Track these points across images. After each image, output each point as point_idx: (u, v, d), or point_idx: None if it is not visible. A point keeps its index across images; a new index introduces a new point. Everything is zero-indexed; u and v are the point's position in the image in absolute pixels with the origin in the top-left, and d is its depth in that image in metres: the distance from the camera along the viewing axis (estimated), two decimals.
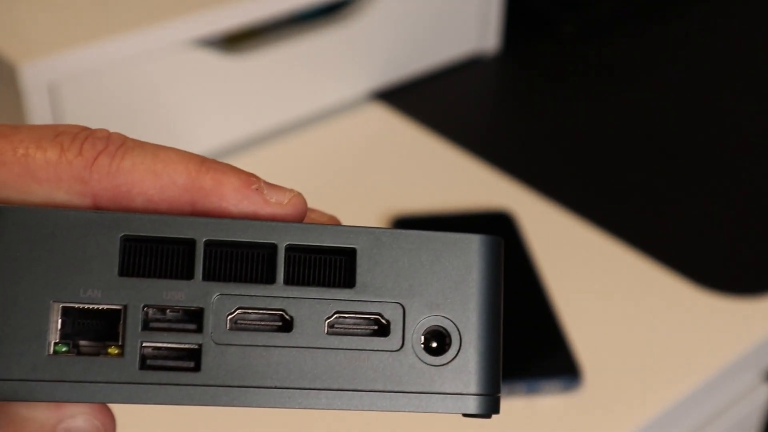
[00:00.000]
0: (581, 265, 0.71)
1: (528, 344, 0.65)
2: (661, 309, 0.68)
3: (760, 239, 0.76)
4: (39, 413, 0.26)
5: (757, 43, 1.04)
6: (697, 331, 0.66)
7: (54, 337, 0.25)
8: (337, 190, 0.76)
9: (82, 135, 0.26)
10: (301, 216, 0.28)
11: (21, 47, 0.68)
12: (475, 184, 0.79)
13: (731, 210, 0.79)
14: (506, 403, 0.61)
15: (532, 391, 0.61)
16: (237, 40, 0.80)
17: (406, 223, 0.73)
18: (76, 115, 0.70)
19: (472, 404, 0.27)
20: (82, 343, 0.26)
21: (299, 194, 0.28)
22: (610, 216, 0.76)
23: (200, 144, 0.78)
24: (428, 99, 0.91)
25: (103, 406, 0.27)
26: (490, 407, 0.27)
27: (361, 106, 0.88)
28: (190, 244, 0.26)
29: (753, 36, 1.06)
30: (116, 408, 0.29)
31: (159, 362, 0.26)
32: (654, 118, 0.91)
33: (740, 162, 0.85)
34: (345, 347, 0.27)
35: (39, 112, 0.68)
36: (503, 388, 0.61)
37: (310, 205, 0.29)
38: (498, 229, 0.73)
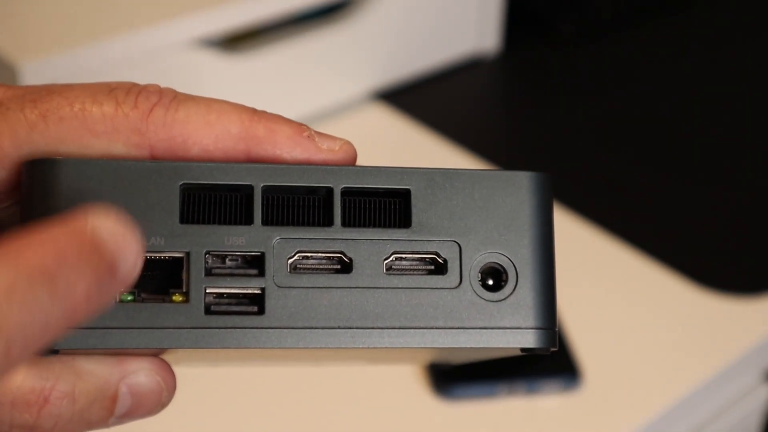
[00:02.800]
0: (581, 265, 0.71)
1: None
2: (661, 309, 0.68)
3: (760, 239, 0.76)
4: (103, 368, 0.27)
5: (758, 43, 1.04)
6: (697, 331, 0.66)
7: None
8: None
9: (135, 89, 0.27)
10: (352, 162, 0.28)
11: (21, 47, 0.68)
12: None
13: (731, 210, 0.79)
14: (506, 403, 0.61)
15: (532, 391, 0.61)
16: (238, 40, 0.80)
17: None
18: None
19: (531, 338, 0.27)
20: (144, 294, 0.26)
21: (349, 142, 0.28)
22: (611, 216, 0.76)
23: None
24: (428, 99, 0.91)
25: (163, 363, 0.28)
26: (548, 341, 0.28)
27: (362, 106, 0.88)
28: (248, 189, 0.27)
29: (753, 36, 1.06)
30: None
31: (223, 307, 0.26)
32: (654, 118, 0.91)
33: (740, 162, 0.85)
34: (404, 286, 0.27)
35: None
36: (503, 388, 0.61)
37: None
38: None
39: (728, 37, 1.04)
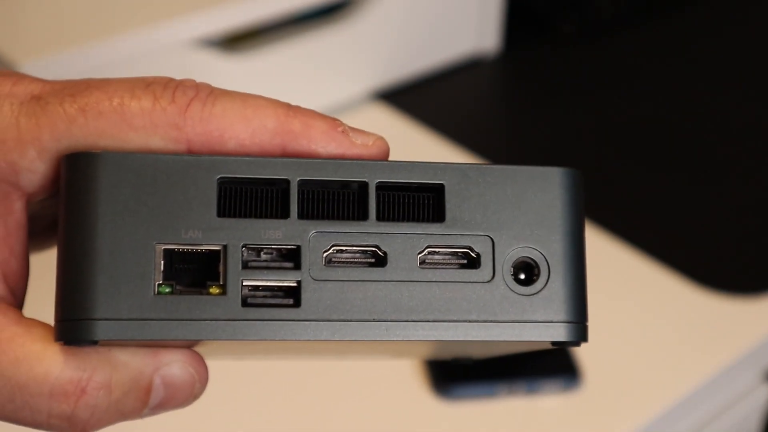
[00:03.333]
0: None
1: None
2: (661, 309, 0.68)
3: (760, 239, 0.76)
4: (138, 359, 0.27)
5: (758, 43, 1.04)
6: (697, 331, 0.66)
7: (158, 278, 0.26)
8: None
9: (172, 84, 0.27)
10: (385, 157, 0.28)
11: (21, 47, 0.68)
12: None
13: (731, 210, 0.79)
14: (506, 403, 0.61)
15: (532, 391, 0.61)
16: (238, 40, 0.80)
17: None
18: None
19: (562, 332, 0.28)
20: (179, 287, 0.26)
21: (382, 137, 0.29)
22: (611, 216, 0.76)
23: None
24: (428, 99, 0.91)
25: (196, 355, 0.28)
26: (579, 334, 0.29)
27: (362, 106, 0.88)
28: (285, 184, 0.27)
29: (754, 35, 1.06)
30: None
31: (260, 300, 0.27)
32: (654, 118, 0.91)
33: (741, 162, 0.85)
34: (438, 280, 0.27)
35: None
36: (503, 388, 0.61)
37: None
38: None
39: (728, 37, 1.04)
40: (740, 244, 0.75)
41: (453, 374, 0.61)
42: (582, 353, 0.64)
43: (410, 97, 0.90)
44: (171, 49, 0.74)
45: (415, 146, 0.84)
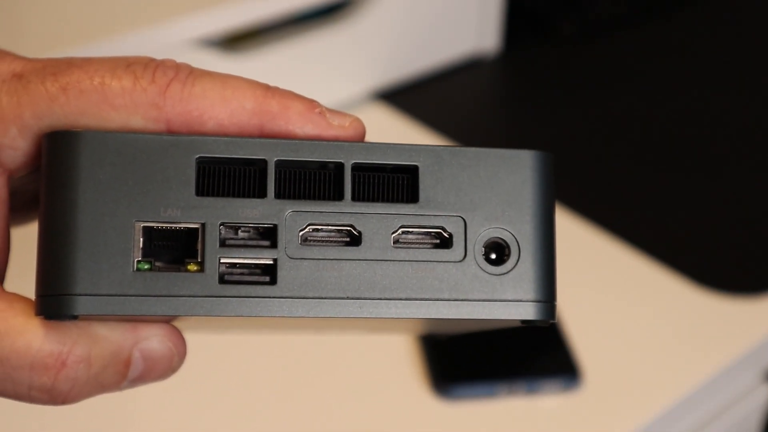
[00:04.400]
0: (581, 264, 0.71)
1: (528, 344, 0.65)
2: (661, 309, 0.68)
3: (760, 239, 0.76)
4: (117, 333, 0.28)
5: (758, 43, 1.04)
6: (697, 331, 0.66)
7: (137, 255, 0.27)
8: None
9: (152, 64, 0.28)
10: (361, 139, 0.29)
11: (21, 47, 0.68)
12: None
13: (731, 210, 0.79)
14: (506, 403, 0.61)
15: (532, 391, 0.61)
16: (238, 40, 0.80)
17: None
18: None
19: (531, 310, 0.28)
20: (158, 263, 0.27)
21: (358, 119, 0.29)
22: (611, 216, 0.76)
23: None
24: (428, 99, 0.91)
25: (175, 330, 0.29)
26: (548, 313, 0.29)
27: (362, 106, 0.88)
28: (262, 164, 0.27)
29: (754, 35, 1.06)
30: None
31: (236, 277, 0.27)
32: (654, 118, 0.91)
33: (741, 162, 0.85)
34: (411, 259, 0.28)
35: None
36: (503, 388, 0.61)
37: None
38: None
39: (728, 37, 1.04)
40: (740, 244, 0.75)
41: (453, 374, 0.61)
42: (582, 353, 0.64)
43: (410, 97, 0.90)
44: (171, 49, 0.74)
45: None
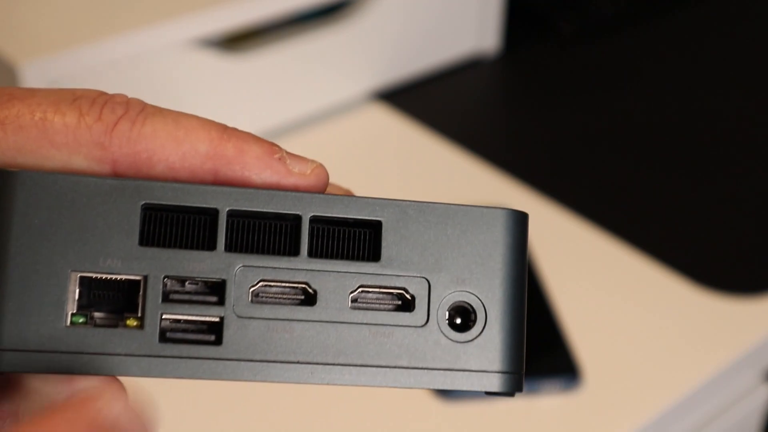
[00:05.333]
0: (581, 264, 0.71)
1: (528, 344, 0.64)
2: (661, 309, 0.68)
3: (760, 239, 0.76)
4: (50, 386, 0.26)
5: (758, 43, 1.04)
6: (697, 331, 0.66)
7: (72, 307, 0.25)
8: (336, 190, 0.76)
9: (101, 99, 0.26)
10: (323, 187, 0.27)
11: (21, 47, 0.68)
12: (475, 184, 0.79)
13: (731, 210, 0.79)
14: (506, 403, 0.61)
15: (532, 391, 0.61)
16: (237, 40, 0.80)
17: None
18: None
19: (496, 382, 0.27)
20: (97, 315, 0.25)
21: (321, 165, 0.27)
22: (610, 216, 0.76)
23: None
24: (429, 99, 0.91)
25: (114, 380, 0.27)
26: (513, 385, 0.27)
27: (362, 106, 0.88)
28: (213, 213, 0.26)
29: (754, 35, 1.06)
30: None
31: (179, 335, 0.25)
32: (654, 118, 0.91)
33: (740, 162, 0.85)
34: (369, 322, 0.26)
35: None
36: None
37: None
38: None
39: (728, 37, 1.04)
40: (740, 244, 0.75)
41: None
42: (582, 353, 0.64)
43: (410, 97, 0.90)
44: (171, 49, 0.74)
45: (415, 146, 0.84)
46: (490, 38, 0.96)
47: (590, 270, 0.71)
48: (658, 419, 0.61)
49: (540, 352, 0.64)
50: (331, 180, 0.28)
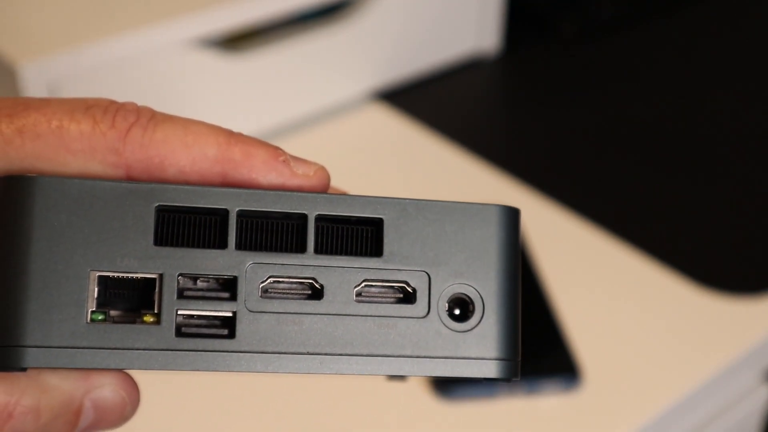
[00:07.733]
0: (581, 264, 0.71)
1: (528, 344, 0.64)
2: (661, 309, 0.68)
3: (760, 239, 0.76)
4: (68, 383, 0.27)
5: (758, 43, 1.04)
6: (697, 331, 0.66)
7: (91, 305, 0.26)
8: (334, 192, 0.76)
9: (113, 107, 0.27)
10: (326, 188, 0.29)
11: (21, 47, 0.68)
12: (475, 184, 0.79)
13: (731, 210, 0.79)
14: (506, 403, 0.61)
15: (532, 391, 0.61)
16: (237, 40, 0.80)
17: None
18: None
19: (494, 369, 0.28)
20: (113, 313, 0.26)
21: (323, 167, 0.29)
22: (610, 216, 0.76)
23: None
24: (429, 99, 0.91)
25: (128, 378, 0.28)
26: (510, 371, 0.29)
27: (362, 106, 0.88)
28: (224, 214, 0.27)
29: (754, 35, 1.06)
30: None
31: (194, 330, 0.27)
32: (654, 118, 0.91)
33: (740, 162, 0.85)
34: (373, 314, 0.28)
35: None
36: (503, 388, 0.61)
37: None
38: None
39: (728, 37, 1.04)
40: (740, 244, 0.75)
41: None
42: (582, 353, 0.64)
43: (410, 97, 0.90)
44: (171, 49, 0.74)
45: (415, 146, 0.84)
46: (490, 38, 0.96)
47: (590, 270, 0.71)
48: (658, 419, 0.61)
49: (540, 352, 0.64)
50: (331, 180, 0.29)
